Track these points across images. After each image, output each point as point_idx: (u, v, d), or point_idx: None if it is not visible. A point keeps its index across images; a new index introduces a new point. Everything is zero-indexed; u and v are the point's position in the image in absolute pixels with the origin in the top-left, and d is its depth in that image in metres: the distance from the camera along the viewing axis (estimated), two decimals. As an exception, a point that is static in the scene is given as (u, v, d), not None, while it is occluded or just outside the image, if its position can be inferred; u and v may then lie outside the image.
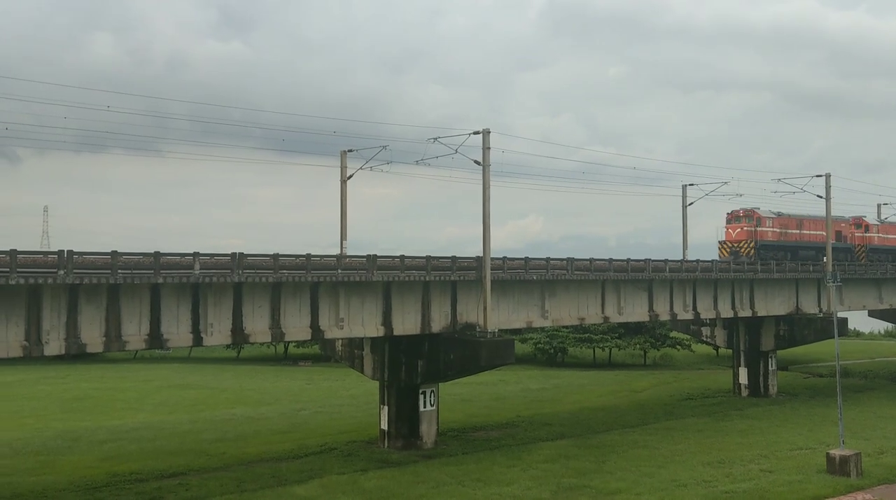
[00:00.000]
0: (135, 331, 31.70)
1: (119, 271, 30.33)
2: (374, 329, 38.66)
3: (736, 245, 61.41)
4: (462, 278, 40.81)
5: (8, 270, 27.96)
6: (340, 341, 44.63)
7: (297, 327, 36.12)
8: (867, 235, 69.77)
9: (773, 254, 61.68)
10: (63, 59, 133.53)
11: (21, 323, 29.15)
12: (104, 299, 30.80)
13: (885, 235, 71.37)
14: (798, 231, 64.37)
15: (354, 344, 44.18)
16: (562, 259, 46.33)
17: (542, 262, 44.98)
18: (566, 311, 46.98)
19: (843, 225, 68.11)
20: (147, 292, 31.74)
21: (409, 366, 41.69)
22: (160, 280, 31.25)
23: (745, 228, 61.59)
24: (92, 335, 30.72)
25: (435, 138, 41.45)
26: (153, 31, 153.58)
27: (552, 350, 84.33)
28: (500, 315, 42.94)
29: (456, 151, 41.27)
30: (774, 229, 62.29)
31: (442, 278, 40.03)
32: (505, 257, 43.98)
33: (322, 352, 62.55)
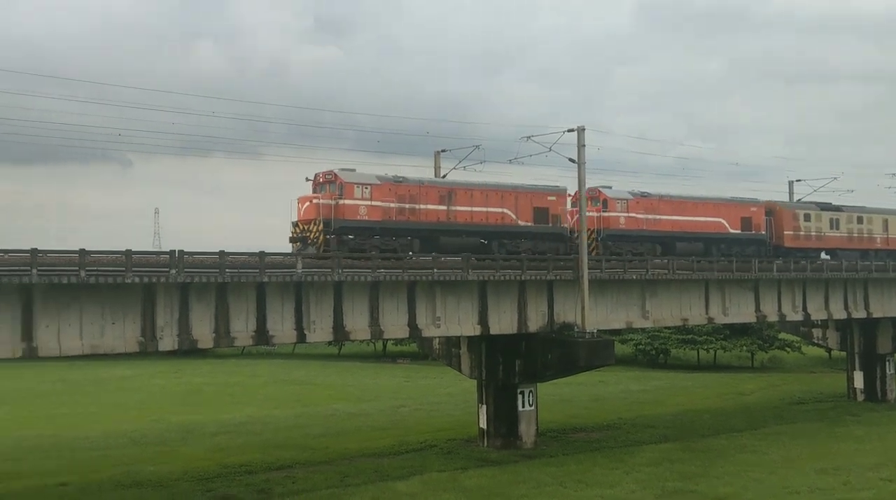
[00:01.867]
0: (242, 328, 32.84)
1: (227, 270, 31.53)
2: (470, 328, 39.00)
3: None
4: (559, 277, 40.74)
5: (124, 269, 29.46)
6: (437, 339, 45.16)
7: (394, 325, 36.78)
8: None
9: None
10: (170, 67, 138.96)
11: (137, 320, 30.63)
12: (213, 297, 32.06)
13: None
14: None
15: (451, 343, 44.63)
16: (662, 258, 45.64)
17: (641, 261, 44.48)
18: (668, 311, 46.29)
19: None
20: (253, 290, 32.91)
21: (506, 365, 41.85)
22: (265, 279, 32.35)
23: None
24: (202, 332, 31.98)
25: (528, 137, 41.47)
26: (254, 38, 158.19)
27: (653, 351, 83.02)
28: (598, 315, 42.66)
29: (550, 149, 41.16)
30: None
31: (538, 277, 40.07)
32: (602, 257, 43.67)
33: (420, 350, 63.34)
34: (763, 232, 53.26)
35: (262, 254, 32.82)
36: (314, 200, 37.88)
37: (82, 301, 29.51)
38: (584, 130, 40.58)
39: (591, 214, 45.52)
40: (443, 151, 45.90)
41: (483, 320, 39.21)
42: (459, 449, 42.00)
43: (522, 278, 39.49)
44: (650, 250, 47.71)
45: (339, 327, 35.09)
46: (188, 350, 36.22)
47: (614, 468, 37.17)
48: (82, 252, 28.95)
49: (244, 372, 79.19)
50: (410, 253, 38.78)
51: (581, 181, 41.23)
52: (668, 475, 35.78)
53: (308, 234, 37.71)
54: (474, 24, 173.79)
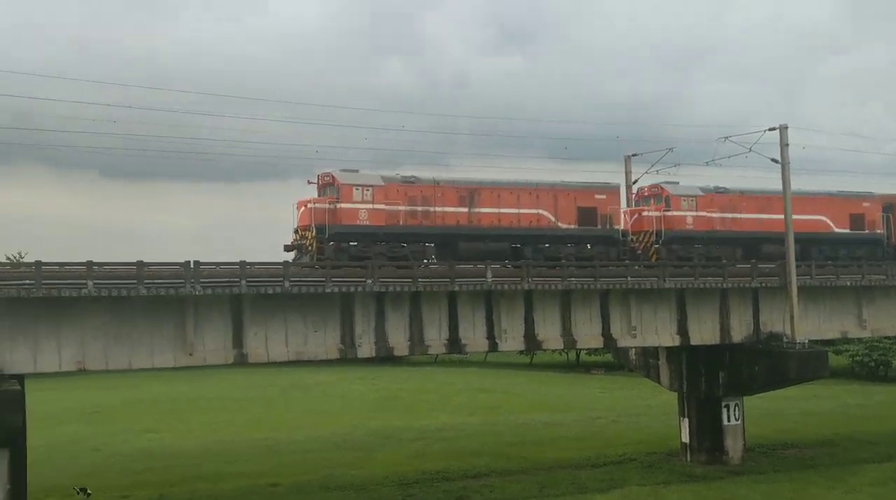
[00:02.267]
0: (435, 336, 33.30)
1: (419, 279, 32.06)
2: (668, 338, 37.53)
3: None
4: (764, 284, 38.44)
5: (323, 279, 30.61)
6: (634, 349, 43.81)
7: (588, 334, 35.98)
8: None
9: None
10: (361, 83, 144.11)
11: (336, 328, 31.77)
12: (407, 306, 32.69)
13: None
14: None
15: (649, 353, 43.13)
16: (879, 263, 42.12)
17: (854, 267, 41.21)
18: (888, 320, 42.65)
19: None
20: (445, 299, 33.23)
21: (709, 377, 39.91)
22: (456, 288, 32.60)
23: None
24: (398, 339, 32.74)
25: (726, 137, 39.45)
26: (440, 52, 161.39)
27: (873, 363, 76.88)
28: (809, 324, 39.89)
29: (750, 150, 39.03)
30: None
31: (741, 284, 37.98)
32: (812, 262, 40.81)
33: (615, 360, 61.75)
34: (879, 231, 45.81)
35: (451, 264, 33.19)
36: (309, 205, 34.88)
37: (286, 310, 30.88)
38: (786, 128, 38.21)
39: (649, 214, 41.01)
40: (634, 155, 44.59)
41: (682, 330, 37.61)
42: (660, 463, 40.46)
43: (724, 285, 37.57)
44: (728, 254, 41.78)
45: (530, 336, 34.75)
46: (385, 357, 37.20)
47: (832, 487, 34.52)
48: (286, 264, 30.39)
49: (438, 380, 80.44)
50: (425, 260, 35.65)
51: (785, 182, 38.76)
52: (894, 497, 32.79)
53: (305, 241, 35.06)
54: (661, 24, 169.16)
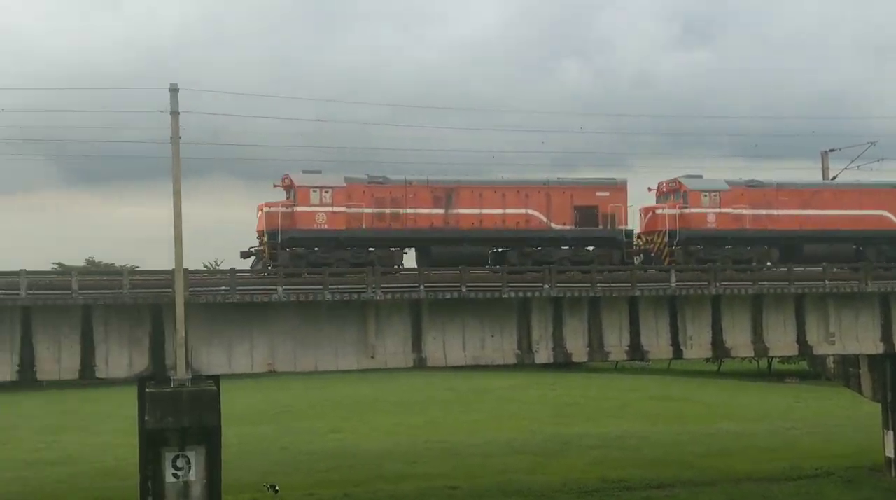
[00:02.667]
0: (616, 342, 32.50)
1: (598, 284, 31.38)
2: (871, 345, 34.84)
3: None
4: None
5: (500, 284, 30.52)
6: (832, 357, 40.98)
7: (781, 341, 33.97)
8: None
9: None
10: (538, 87, 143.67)
11: (514, 333, 31.61)
12: (585, 311, 32.08)
13: None
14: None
15: (849, 361, 40.23)
16: None
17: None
18: None
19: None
20: (625, 304, 32.35)
21: (917, 387, 36.79)
22: (637, 293, 31.67)
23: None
24: (576, 345, 32.20)
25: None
26: (618, 51, 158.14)
27: None
28: None
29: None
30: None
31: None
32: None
33: (811, 368, 58.11)
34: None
35: (632, 267, 32.31)
36: (265, 209, 32.91)
37: (464, 315, 31.00)
38: None
39: (663, 212, 36.52)
40: (831, 150, 41.82)
41: (887, 336, 34.81)
42: (862, 479, 37.67)
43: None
44: (762, 256, 36.71)
45: (718, 342, 33.22)
46: (563, 364, 36.66)
47: None
48: (462, 270, 30.51)
49: (618, 386, 78.71)
50: (395, 267, 33.18)
51: None
52: None
53: (262, 247, 33.20)
54: (859, 8, 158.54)
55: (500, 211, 34.77)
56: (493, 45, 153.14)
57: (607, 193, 36.05)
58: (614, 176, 37.07)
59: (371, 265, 31.39)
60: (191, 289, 27.79)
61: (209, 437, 27.46)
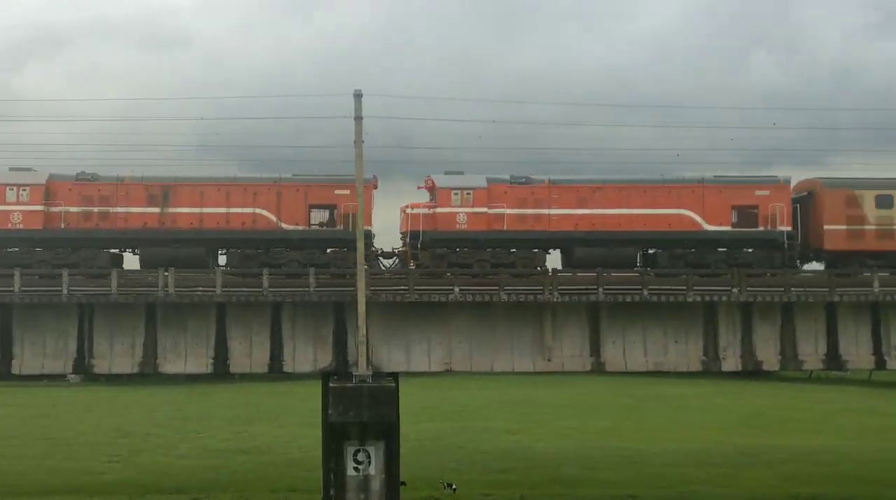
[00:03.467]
0: (811, 350, 30.71)
1: (791, 288, 29.78)
2: None
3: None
4: None
5: (684, 288, 29.48)
6: None
7: None
8: None
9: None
10: (728, 82, 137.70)
11: (699, 339, 30.44)
12: (778, 317, 30.47)
13: None
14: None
15: None
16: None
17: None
18: None
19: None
20: (822, 310, 30.49)
21: None
22: (836, 298, 29.80)
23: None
24: (767, 353, 30.67)
25: None
26: (816, 43, 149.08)
27: None
28: None
29: None
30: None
31: None
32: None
33: None
34: (782, 228, 33.57)
35: (830, 274, 30.22)
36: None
37: (645, 319, 30.14)
38: None
39: (414, 211, 33.29)
40: None
41: None
42: None
43: None
44: (528, 260, 33.22)
45: (927, 353, 30.61)
46: (751, 372, 34.94)
47: None
48: (643, 272, 29.70)
49: (812, 398, 74.26)
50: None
51: None
52: None
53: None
54: None
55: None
56: (679, 41, 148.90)
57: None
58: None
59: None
60: (371, 288, 28.46)
61: (388, 432, 28.00)
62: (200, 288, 29.02)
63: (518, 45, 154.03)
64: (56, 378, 75.15)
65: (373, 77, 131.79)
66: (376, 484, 27.74)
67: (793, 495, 36.63)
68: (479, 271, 31.80)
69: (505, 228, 32.99)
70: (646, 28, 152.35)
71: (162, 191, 32.77)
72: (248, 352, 29.68)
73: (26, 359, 29.17)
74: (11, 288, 27.96)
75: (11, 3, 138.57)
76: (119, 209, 32.43)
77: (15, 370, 29.33)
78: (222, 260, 33.87)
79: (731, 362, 30.62)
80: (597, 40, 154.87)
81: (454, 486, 36.03)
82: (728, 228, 33.99)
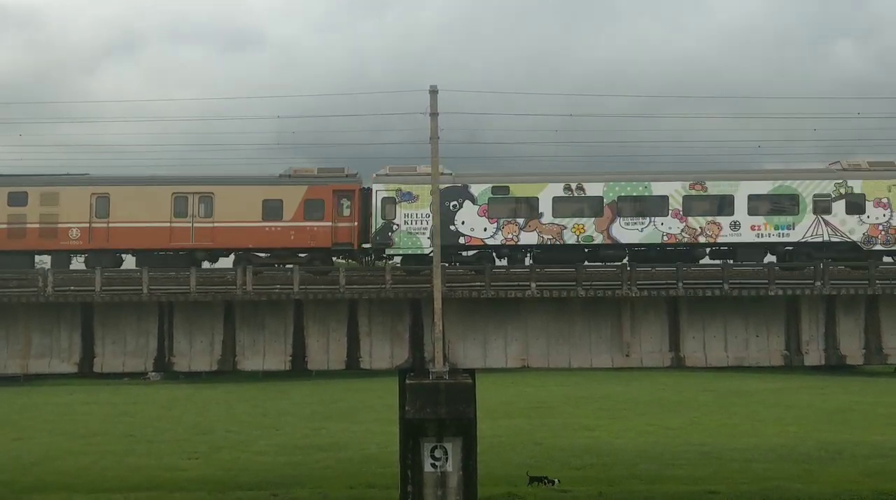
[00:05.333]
0: (896, 345, 29.74)
1: (877, 281, 28.89)
2: None
3: None
4: None
5: (766, 281, 28.90)
6: None
7: None
8: None
9: None
10: (809, 71, 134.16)
11: (781, 333, 29.81)
12: (862, 311, 29.64)
13: None
14: None
15: None
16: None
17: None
18: None
19: None
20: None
21: None
22: (925, 290, 28.73)
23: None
24: (851, 347, 29.89)
25: None
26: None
27: None
28: None
29: None
30: None
31: None
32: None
33: None
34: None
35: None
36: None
37: (725, 313, 29.61)
38: None
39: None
40: None
41: None
42: None
43: None
44: None
45: None
46: (834, 366, 34.11)
47: None
48: (724, 265, 29.10)
49: (896, 392, 72.05)
50: None
51: None
52: None
53: None
54: None
55: None
56: (758, 31, 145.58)
57: None
58: None
59: None
60: (447, 285, 28.49)
61: (465, 429, 28.01)
62: (278, 286, 29.44)
63: (594, 38, 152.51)
64: (137, 376, 77.59)
65: (445, 73, 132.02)
66: (454, 481, 27.77)
67: (877, 490, 35.67)
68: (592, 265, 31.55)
69: None
70: (725, 20, 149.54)
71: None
72: (326, 349, 29.95)
73: (107, 358, 29.88)
74: (92, 288, 28.72)
75: (98, 7, 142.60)
76: None
77: (97, 369, 30.09)
78: None
79: (813, 356, 29.88)
80: (674, 32, 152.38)
81: (555, 480, 36.22)
82: None
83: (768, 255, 32.34)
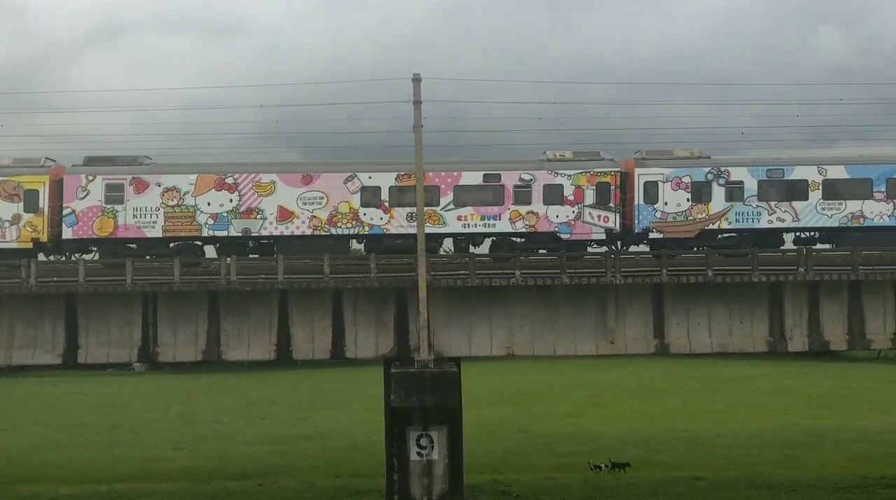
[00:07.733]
0: (879, 329, 30.05)
1: (860, 267, 28.99)
2: None
3: None
4: None
5: (749, 268, 28.93)
6: None
7: None
8: None
9: None
10: (792, 59, 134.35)
11: (764, 319, 29.94)
12: (845, 296, 29.78)
13: None
14: None
15: None
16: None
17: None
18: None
19: None
20: (890, 288, 29.75)
21: None
22: (907, 275, 28.97)
23: None
24: (834, 332, 30.06)
25: None
26: (881, 22, 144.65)
27: None
28: None
29: None
30: None
31: None
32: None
33: None
34: None
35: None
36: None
37: (709, 300, 29.70)
38: None
39: None
40: None
41: None
42: None
43: None
44: None
45: None
46: (817, 352, 34.39)
47: None
48: (707, 252, 29.29)
49: (881, 377, 72.57)
50: None
51: None
52: None
53: None
54: None
55: None
56: (741, 18, 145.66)
57: None
58: None
59: None
60: (432, 273, 28.48)
61: (451, 417, 28.10)
62: (262, 275, 29.34)
63: (576, 26, 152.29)
64: (121, 367, 77.15)
65: (428, 61, 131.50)
66: (439, 469, 27.85)
67: (860, 475, 35.92)
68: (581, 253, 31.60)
69: None
70: (708, 6, 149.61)
71: None
72: (311, 338, 29.91)
73: (91, 349, 29.77)
74: (76, 278, 28.55)
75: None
76: None
77: (81, 360, 29.98)
78: None
79: (797, 342, 30.05)
80: (657, 18, 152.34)
81: (603, 465, 36.44)
82: None
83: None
